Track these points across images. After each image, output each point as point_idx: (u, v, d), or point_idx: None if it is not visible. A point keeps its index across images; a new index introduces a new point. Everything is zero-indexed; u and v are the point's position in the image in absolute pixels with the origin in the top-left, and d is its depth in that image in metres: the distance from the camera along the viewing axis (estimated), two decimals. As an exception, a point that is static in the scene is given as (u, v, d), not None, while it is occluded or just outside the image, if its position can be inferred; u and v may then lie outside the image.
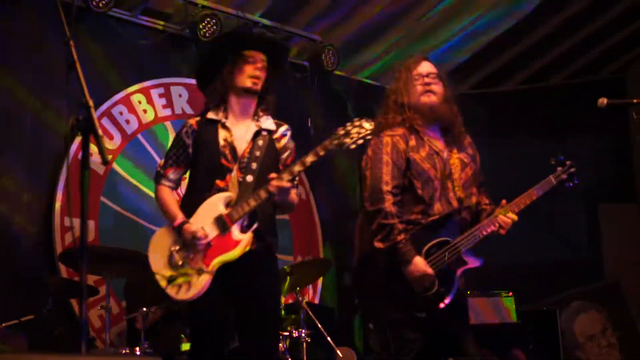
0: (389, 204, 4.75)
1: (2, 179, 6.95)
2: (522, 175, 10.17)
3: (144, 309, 5.92)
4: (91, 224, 7.32)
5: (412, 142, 4.91)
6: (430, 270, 4.71)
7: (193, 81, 8.12)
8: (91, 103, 3.42)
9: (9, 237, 6.95)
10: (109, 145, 7.59)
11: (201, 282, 4.58)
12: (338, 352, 6.72)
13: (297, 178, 4.78)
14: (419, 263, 4.71)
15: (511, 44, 9.84)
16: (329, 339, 6.67)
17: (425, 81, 4.99)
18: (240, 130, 4.87)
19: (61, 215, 7.19)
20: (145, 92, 8.03)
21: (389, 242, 4.73)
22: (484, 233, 4.84)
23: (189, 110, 8.24)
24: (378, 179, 4.80)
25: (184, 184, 5.06)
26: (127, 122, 7.82)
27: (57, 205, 7.18)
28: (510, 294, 8.05)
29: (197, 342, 4.83)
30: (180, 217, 4.72)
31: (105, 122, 7.59)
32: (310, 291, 8.75)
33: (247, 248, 4.63)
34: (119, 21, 7.89)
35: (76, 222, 7.16)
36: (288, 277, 6.59)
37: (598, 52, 10.22)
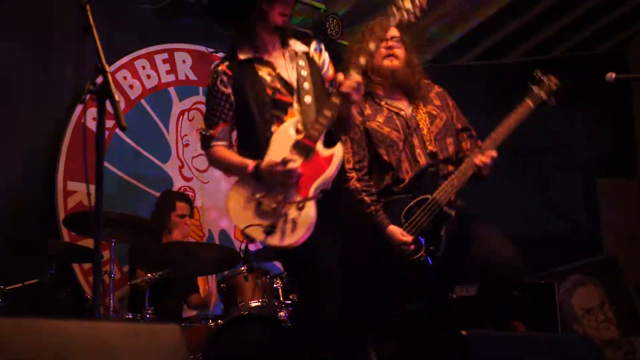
0: (353, 182, 4.80)
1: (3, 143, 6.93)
2: (523, 147, 10.29)
3: (149, 274, 5.91)
4: (92, 188, 7.28)
5: (367, 111, 4.95)
6: (406, 238, 4.70)
7: (197, 47, 8.20)
8: (107, 68, 3.40)
9: (11, 201, 6.95)
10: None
11: (307, 216, 4.11)
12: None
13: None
14: (394, 233, 4.74)
15: (514, 16, 9.78)
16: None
17: (389, 44, 4.97)
18: (278, 62, 4.48)
19: (64, 179, 7.17)
20: (149, 57, 8.01)
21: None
22: (464, 179, 4.79)
23: (192, 77, 8.23)
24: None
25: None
26: (131, 87, 7.81)
27: (61, 169, 7.15)
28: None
29: (317, 289, 4.19)
30: (251, 161, 4.26)
31: (108, 86, 7.57)
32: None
33: (337, 163, 4.21)
34: (123, -15, 7.86)
35: (80, 186, 7.18)
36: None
37: (600, 25, 10.17)
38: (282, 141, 4.24)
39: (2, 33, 7.09)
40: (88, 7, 3.50)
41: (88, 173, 3.60)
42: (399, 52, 4.98)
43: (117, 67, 7.69)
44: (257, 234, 4.17)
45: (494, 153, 4.82)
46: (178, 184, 7.93)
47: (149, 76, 7.95)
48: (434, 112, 4.99)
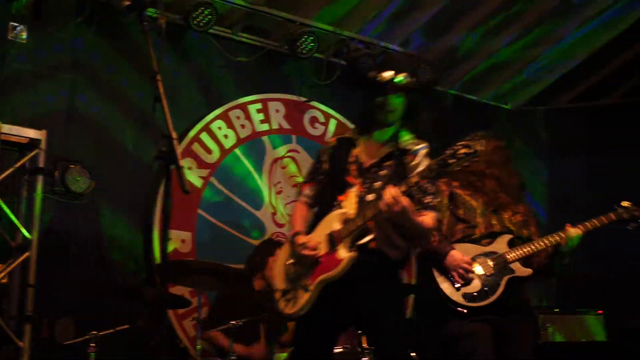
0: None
1: (104, 192, 7.25)
2: (623, 190, 10.10)
3: (232, 322, 6.09)
4: (188, 235, 7.58)
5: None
6: (467, 259, 5.10)
7: (290, 96, 8.40)
8: (175, 135, 3.58)
9: (108, 248, 7.26)
10: (208, 159, 7.90)
11: (302, 300, 4.55)
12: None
13: (430, 200, 4.57)
14: (455, 255, 5.11)
15: (610, 57, 9.75)
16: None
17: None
18: (372, 147, 4.73)
19: (160, 227, 7.41)
20: (243, 107, 8.27)
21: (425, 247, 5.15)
22: (539, 248, 5.24)
23: (285, 125, 8.47)
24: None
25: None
26: (225, 136, 8.07)
27: (157, 216, 7.39)
28: (600, 312, 7.97)
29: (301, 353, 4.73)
30: (296, 229, 4.74)
31: (204, 137, 7.90)
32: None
33: (343, 268, 4.45)
34: (219, 38, 8.12)
35: (174, 233, 7.45)
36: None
37: None
38: (326, 226, 4.60)
39: (106, 88, 7.48)
40: (158, 77, 3.69)
41: (163, 234, 3.79)
42: None
43: (213, 118, 7.98)
44: (278, 294, 4.72)
45: (580, 231, 5.26)
46: (271, 230, 8.14)
47: (243, 126, 8.19)
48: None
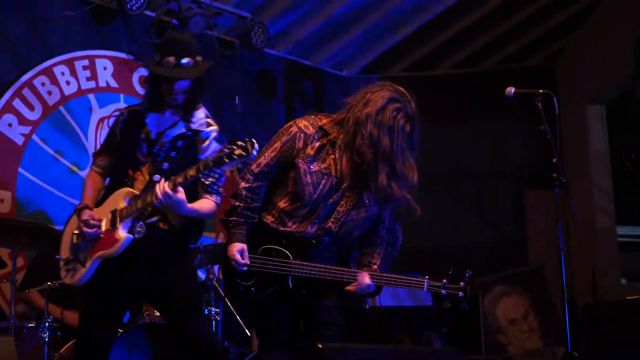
0: (243, 184, 4.54)
1: None
2: (453, 158, 10.38)
3: (49, 283, 5.88)
4: (7, 195, 7.32)
5: (310, 151, 4.53)
6: (240, 259, 4.47)
7: (118, 54, 8.17)
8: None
9: None
10: (30, 116, 7.60)
11: (78, 273, 4.65)
12: (247, 331, 6.72)
13: (211, 181, 4.68)
14: (235, 247, 4.50)
15: (443, 27, 9.85)
16: (238, 317, 6.67)
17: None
18: (164, 124, 4.79)
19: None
20: (69, 63, 7.97)
21: (226, 217, 4.59)
22: (328, 277, 4.47)
23: (113, 84, 8.22)
24: (257, 157, 4.49)
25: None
26: (49, 93, 7.76)
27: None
28: (427, 277, 8.08)
29: (82, 328, 4.81)
30: (85, 201, 4.76)
31: (26, 92, 7.58)
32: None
33: (119, 248, 4.54)
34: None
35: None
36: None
37: (529, 39, 10.31)
38: (112, 203, 4.66)
39: None
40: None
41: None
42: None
43: (36, 73, 7.67)
44: (61, 262, 4.81)
45: (367, 281, 4.52)
46: (97, 190, 7.90)
47: (68, 82, 7.91)
48: (365, 201, 4.59)
